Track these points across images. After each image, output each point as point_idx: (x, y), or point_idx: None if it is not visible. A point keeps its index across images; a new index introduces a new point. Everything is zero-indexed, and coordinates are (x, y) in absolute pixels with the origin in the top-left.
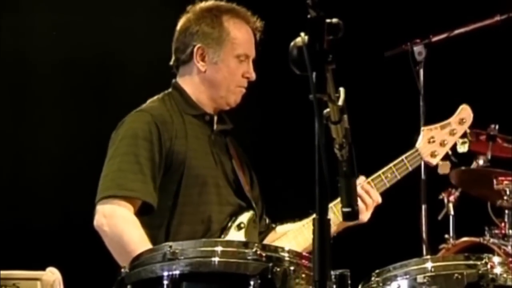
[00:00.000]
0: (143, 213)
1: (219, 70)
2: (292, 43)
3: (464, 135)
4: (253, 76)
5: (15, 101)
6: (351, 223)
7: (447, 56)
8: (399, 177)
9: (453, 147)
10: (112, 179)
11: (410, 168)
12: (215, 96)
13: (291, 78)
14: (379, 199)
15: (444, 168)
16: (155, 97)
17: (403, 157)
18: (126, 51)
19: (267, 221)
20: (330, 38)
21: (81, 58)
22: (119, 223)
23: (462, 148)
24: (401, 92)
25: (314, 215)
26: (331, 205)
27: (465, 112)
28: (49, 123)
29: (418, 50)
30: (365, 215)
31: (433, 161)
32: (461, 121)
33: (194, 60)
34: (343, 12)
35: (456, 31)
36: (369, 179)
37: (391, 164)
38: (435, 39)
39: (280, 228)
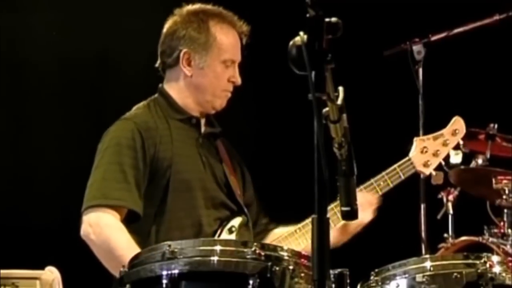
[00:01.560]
0: (130, 221)
1: (205, 75)
2: (291, 42)
3: (457, 146)
4: (238, 80)
5: (13, 100)
6: (355, 229)
7: (446, 55)
8: (391, 185)
9: (446, 158)
10: (97, 188)
11: (403, 177)
12: (201, 101)
13: (290, 77)
14: (373, 201)
15: (438, 179)
16: (141, 104)
17: (395, 165)
18: (124, 51)
19: (265, 221)
20: (329, 38)
21: (79, 58)
22: (105, 230)
23: (456, 159)
24: (400, 91)
25: (307, 220)
26: (332, 206)
27: (458, 124)
28: (48, 122)
29: (417, 49)
30: (365, 215)
31: (426, 171)
32: (454, 132)
33: (180, 65)
34: (342, 11)
35: (455, 30)
36: (362, 187)
37: (383, 173)
38: (434, 38)
39: (278, 231)
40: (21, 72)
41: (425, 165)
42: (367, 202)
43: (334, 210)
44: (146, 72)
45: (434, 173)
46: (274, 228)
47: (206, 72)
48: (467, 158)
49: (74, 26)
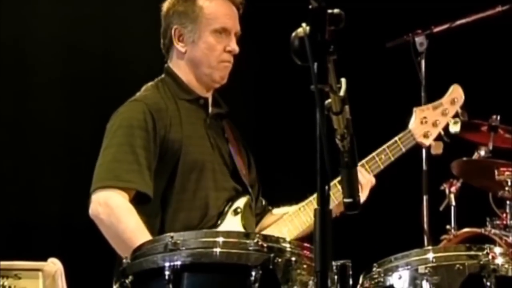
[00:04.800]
0: (139, 202)
1: (198, 48)
2: (293, 34)
3: (456, 115)
4: (235, 49)
5: (18, 93)
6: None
7: (448, 46)
8: (392, 158)
9: (446, 127)
10: (108, 169)
11: (404, 149)
12: (200, 75)
13: (293, 69)
14: (371, 180)
15: (437, 148)
16: (149, 84)
17: (396, 138)
18: (128, 42)
19: (264, 202)
20: (332, 29)
21: (82, 50)
22: (115, 211)
23: (454, 128)
24: (402, 83)
25: (310, 198)
26: (335, 181)
27: (456, 92)
28: (52, 115)
29: (420, 40)
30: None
31: (426, 142)
32: (453, 101)
33: (174, 42)
34: (345, 2)
35: (458, 22)
36: (363, 161)
37: (384, 146)
38: (436, 29)
39: (277, 211)
40: (26, 66)
41: (425, 135)
42: (363, 183)
43: (337, 187)
44: (150, 64)
45: (433, 143)
46: (272, 209)
47: (198, 45)
48: (470, 149)
49: (76, 18)
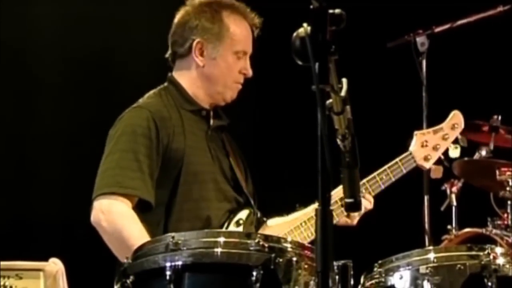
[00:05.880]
0: (140, 210)
1: (217, 66)
2: (294, 34)
3: (456, 140)
4: (250, 72)
5: (19, 96)
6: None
7: (450, 46)
8: (393, 179)
9: (445, 152)
10: (111, 176)
11: (404, 171)
12: (211, 92)
13: (294, 69)
14: (370, 206)
15: (437, 173)
16: (151, 92)
17: (397, 160)
18: (128, 45)
19: (259, 215)
20: (333, 29)
21: (83, 51)
22: (118, 219)
23: (454, 153)
24: (403, 83)
25: (303, 210)
26: (336, 199)
27: (456, 118)
28: (53, 117)
29: (421, 41)
30: (354, 220)
31: (426, 165)
32: (453, 127)
33: (192, 54)
34: (346, 2)
35: (459, 22)
36: (365, 180)
37: (385, 166)
38: (438, 29)
39: (271, 222)
40: (26, 66)
41: (426, 159)
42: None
43: (338, 203)
44: (150, 67)
45: (433, 167)
46: (266, 221)
47: (218, 63)
48: (471, 149)
49: (77, 19)
